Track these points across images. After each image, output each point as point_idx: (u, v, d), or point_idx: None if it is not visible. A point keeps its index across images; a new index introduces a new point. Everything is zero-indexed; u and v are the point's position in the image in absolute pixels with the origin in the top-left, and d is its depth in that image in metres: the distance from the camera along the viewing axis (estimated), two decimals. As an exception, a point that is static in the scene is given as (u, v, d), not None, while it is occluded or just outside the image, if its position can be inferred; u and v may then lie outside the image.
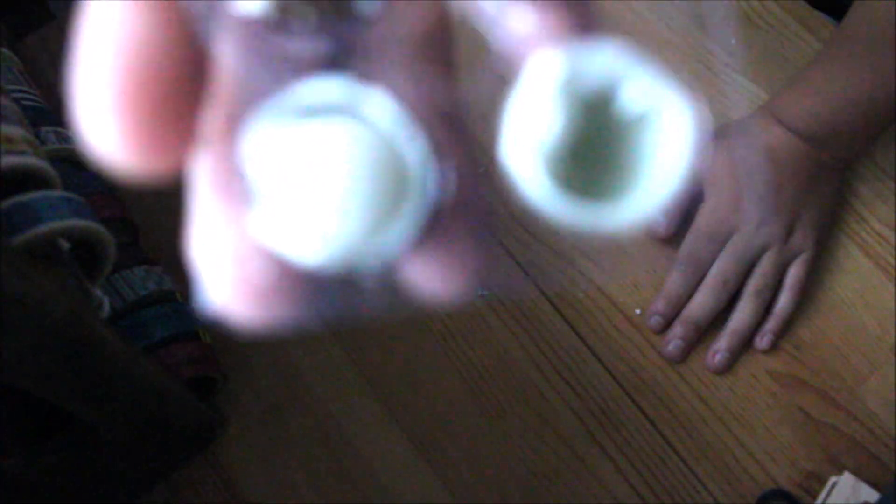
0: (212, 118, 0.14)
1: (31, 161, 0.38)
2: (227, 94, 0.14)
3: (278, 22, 0.13)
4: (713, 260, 0.56)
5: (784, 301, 0.56)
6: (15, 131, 0.38)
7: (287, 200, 0.13)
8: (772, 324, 0.55)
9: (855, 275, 0.58)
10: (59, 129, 0.57)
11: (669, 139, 0.13)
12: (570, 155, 0.12)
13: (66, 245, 0.40)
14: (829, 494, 0.50)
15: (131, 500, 0.54)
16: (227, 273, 0.14)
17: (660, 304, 0.56)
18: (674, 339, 0.55)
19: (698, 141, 0.14)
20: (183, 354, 0.52)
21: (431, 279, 0.14)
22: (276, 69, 0.13)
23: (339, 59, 0.13)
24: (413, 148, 0.13)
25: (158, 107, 0.14)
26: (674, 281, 0.56)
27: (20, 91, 0.59)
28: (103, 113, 0.15)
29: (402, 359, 0.57)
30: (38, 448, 0.44)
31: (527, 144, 0.12)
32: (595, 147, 0.13)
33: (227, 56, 0.14)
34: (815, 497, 0.52)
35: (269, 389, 0.57)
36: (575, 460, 0.54)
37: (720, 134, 0.59)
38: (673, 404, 0.55)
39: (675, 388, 0.55)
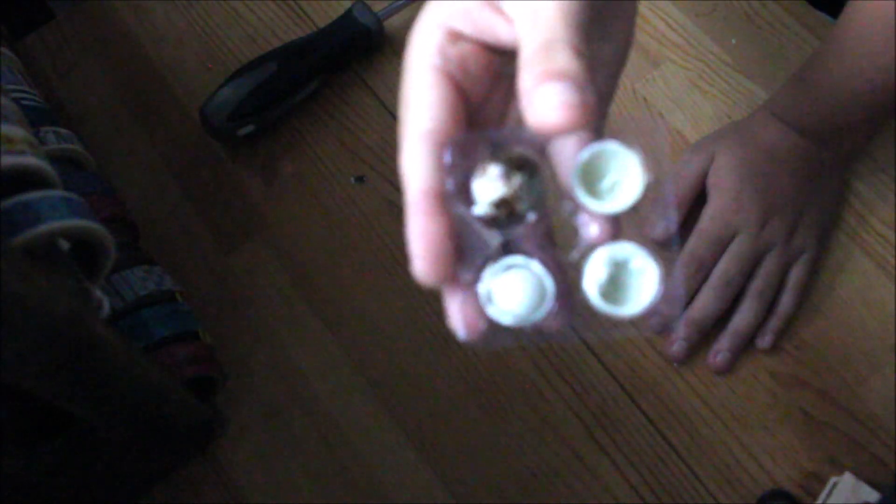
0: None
1: (31, 161, 0.38)
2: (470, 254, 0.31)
3: (489, 220, 0.30)
4: (715, 261, 0.56)
5: (786, 301, 0.56)
6: (15, 131, 0.38)
7: (499, 305, 0.30)
8: (773, 323, 0.55)
9: (855, 275, 0.58)
10: (59, 129, 0.57)
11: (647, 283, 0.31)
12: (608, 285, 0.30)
13: (66, 245, 0.40)
14: (829, 494, 0.50)
15: (131, 500, 0.55)
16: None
17: (661, 305, 0.56)
18: (677, 340, 0.55)
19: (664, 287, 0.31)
20: (183, 354, 0.52)
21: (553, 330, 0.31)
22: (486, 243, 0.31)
23: (514, 240, 0.31)
24: (548, 282, 0.30)
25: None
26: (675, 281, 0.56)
27: (20, 91, 0.59)
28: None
29: (402, 359, 0.57)
30: (38, 448, 0.44)
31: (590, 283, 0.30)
32: (616, 282, 0.30)
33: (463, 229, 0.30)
34: (815, 497, 0.52)
35: (269, 389, 0.57)
36: (575, 460, 0.54)
37: (722, 135, 0.59)
38: (673, 404, 0.55)
39: (675, 388, 0.55)
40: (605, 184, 0.29)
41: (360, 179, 0.63)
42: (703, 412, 0.55)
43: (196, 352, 0.53)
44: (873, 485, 0.50)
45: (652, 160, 0.29)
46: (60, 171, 0.40)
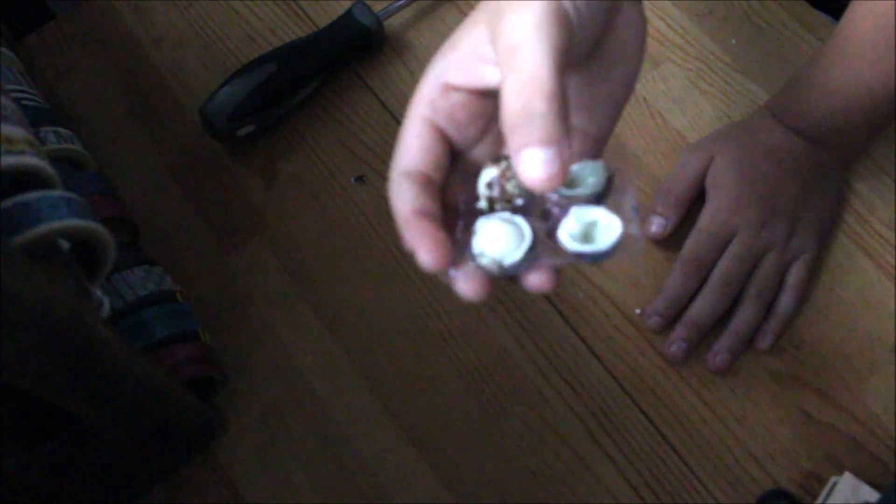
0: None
1: (31, 161, 0.38)
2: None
3: (489, 205, 0.36)
4: (715, 261, 0.56)
5: (785, 302, 0.56)
6: (15, 131, 0.38)
7: (483, 251, 0.34)
8: (773, 324, 0.55)
9: (855, 275, 0.58)
10: (59, 129, 0.57)
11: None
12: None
13: (66, 245, 0.40)
14: (829, 494, 0.50)
15: (131, 500, 0.55)
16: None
17: (660, 305, 0.56)
18: (677, 341, 0.55)
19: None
20: (183, 354, 0.52)
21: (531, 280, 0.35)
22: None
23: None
24: (527, 231, 0.35)
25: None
26: (674, 281, 0.56)
27: (20, 91, 0.59)
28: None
29: (402, 359, 0.57)
30: (38, 448, 0.44)
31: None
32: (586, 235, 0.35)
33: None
34: (815, 497, 0.52)
35: (269, 389, 0.57)
36: (575, 460, 0.54)
37: (721, 135, 0.59)
38: (673, 404, 0.55)
39: (675, 388, 0.55)
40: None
41: (360, 179, 0.63)
42: (703, 412, 0.55)
43: (196, 352, 0.53)
44: (873, 485, 0.50)
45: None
46: (60, 171, 0.40)
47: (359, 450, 0.55)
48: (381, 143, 0.64)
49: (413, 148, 0.37)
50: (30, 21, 0.72)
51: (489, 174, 0.35)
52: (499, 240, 0.34)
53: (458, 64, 0.36)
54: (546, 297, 0.58)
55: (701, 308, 0.55)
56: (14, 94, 0.58)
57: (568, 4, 0.33)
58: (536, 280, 0.35)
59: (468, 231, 0.35)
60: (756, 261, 0.56)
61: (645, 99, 0.64)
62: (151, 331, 0.52)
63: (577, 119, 0.38)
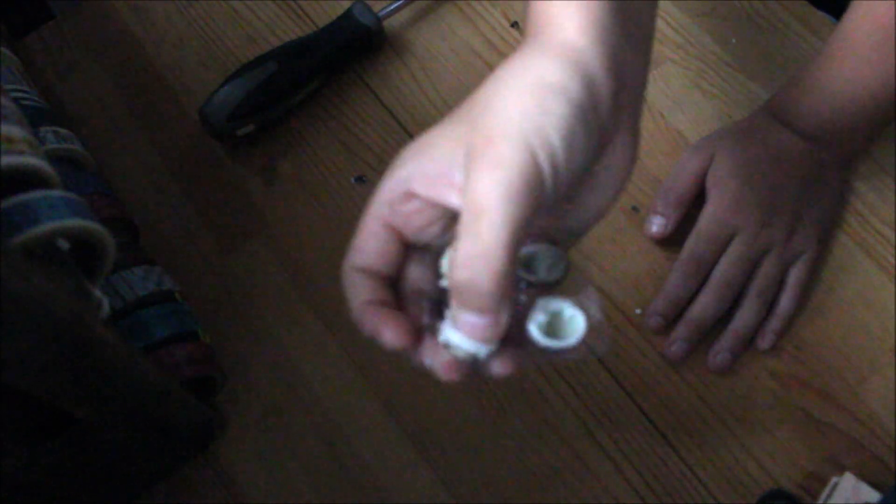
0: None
1: (31, 161, 0.38)
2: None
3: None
4: (715, 261, 0.56)
5: (786, 301, 0.56)
6: (15, 131, 0.38)
7: (459, 343, 0.36)
8: (774, 324, 0.55)
9: (856, 275, 0.58)
10: (59, 129, 0.57)
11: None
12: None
13: (66, 245, 0.40)
14: (829, 495, 0.50)
15: (131, 500, 0.55)
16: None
17: (660, 304, 0.56)
18: (677, 341, 0.55)
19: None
20: (183, 354, 0.52)
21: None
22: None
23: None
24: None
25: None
26: (675, 281, 0.56)
27: (20, 91, 0.59)
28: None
29: (401, 358, 0.57)
30: (38, 448, 0.44)
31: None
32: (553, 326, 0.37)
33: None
34: (815, 497, 0.52)
35: (269, 389, 0.57)
36: (575, 460, 0.54)
37: (721, 135, 0.59)
38: (673, 404, 0.55)
39: (675, 388, 0.55)
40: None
41: (360, 179, 0.63)
42: (703, 412, 0.55)
43: (196, 352, 0.53)
44: (873, 485, 0.50)
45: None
46: (60, 171, 0.40)
47: (359, 450, 0.55)
48: (381, 143, 0.64)
49: (368, 247, 0.38)
50: (30, 21, 0.72)
51: (451, 257, 0.34)
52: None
53: (426, 178, 0.36)
54: (546, 297, 0.58)
55: (701, 308, 0.55)
56: (14, 94, 0.58)
57: (545, 166, 0.33)
58: (500, 368, 0.36)
59: (435, 314, 0.37)
60: (756, 261, 0.56)
61: (645, 99, 0.64)
62: (151, 331, 0.52)
63: (552, 220, 0.38)
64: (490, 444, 0.55)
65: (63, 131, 0.57)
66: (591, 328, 0.36)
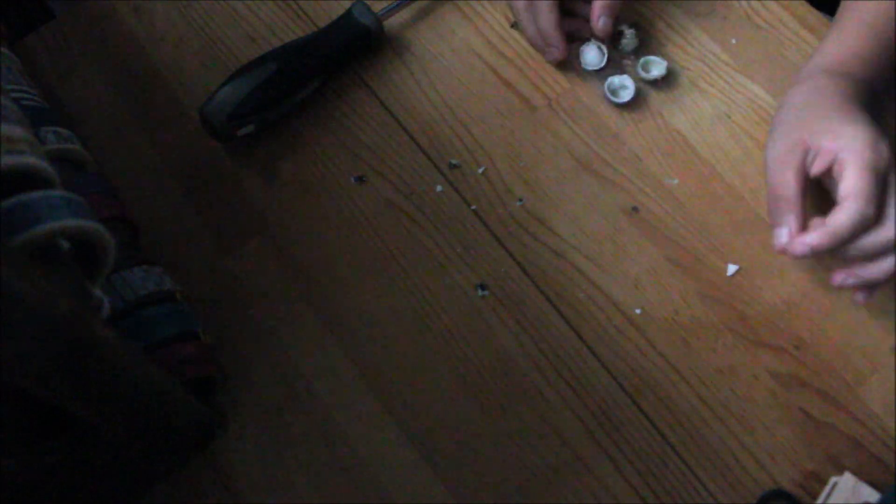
0: None
1: (31, 161, 0.38)
2: None
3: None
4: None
5: None
6: (15, 131, 0.38)
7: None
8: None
9: (855, 275, 0.58)
10: (59, 129, 0.57)
11: None
12: None
13: (66, 245, 0.40)
14: (829, 495, 0.50)
15: (131, 500, 0.55)
16: None
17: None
18: (849, 279, 0.53)
19: None
20: (183, 354, 0.52)
21: None
22: None
23: None
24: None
25: None
26: (842, 221, 0.51)
27: (20, 91, 0.59)
28: None
29: (402, 359, 0.57)
30: (38, 448, 0.44)
31: None
32: None
33: None
34: (815, 497, 0.52)
35: (269, 389, 0.57)
36: (575, 460, 0.54)
37: (792, 119, 0.56)
38: (673, 404, 0.55)
39: (675, 388, 0.55)
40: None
41: (360, 179, 0.63)
42: (703, 412, 0.55)
43: (196, 352, 0.53)
44: (873, 485, 0.50)
45: None
46: (60, 171, 0.40)
47: (359, 450, 0.55)
48: (381, 143, 0.64)
49: None
50: (30, 21, 0.72)
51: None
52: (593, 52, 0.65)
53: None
54: (546, 297, 0.58)
55: (881, 272, 0.52)
56: (14, 94, 0.58)
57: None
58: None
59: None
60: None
61: (645, 99, 0.64)
62: (151, 331, 0.52)
63: None
64: (490, 444, 0.55)
65: (63, 131, 0.57)
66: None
